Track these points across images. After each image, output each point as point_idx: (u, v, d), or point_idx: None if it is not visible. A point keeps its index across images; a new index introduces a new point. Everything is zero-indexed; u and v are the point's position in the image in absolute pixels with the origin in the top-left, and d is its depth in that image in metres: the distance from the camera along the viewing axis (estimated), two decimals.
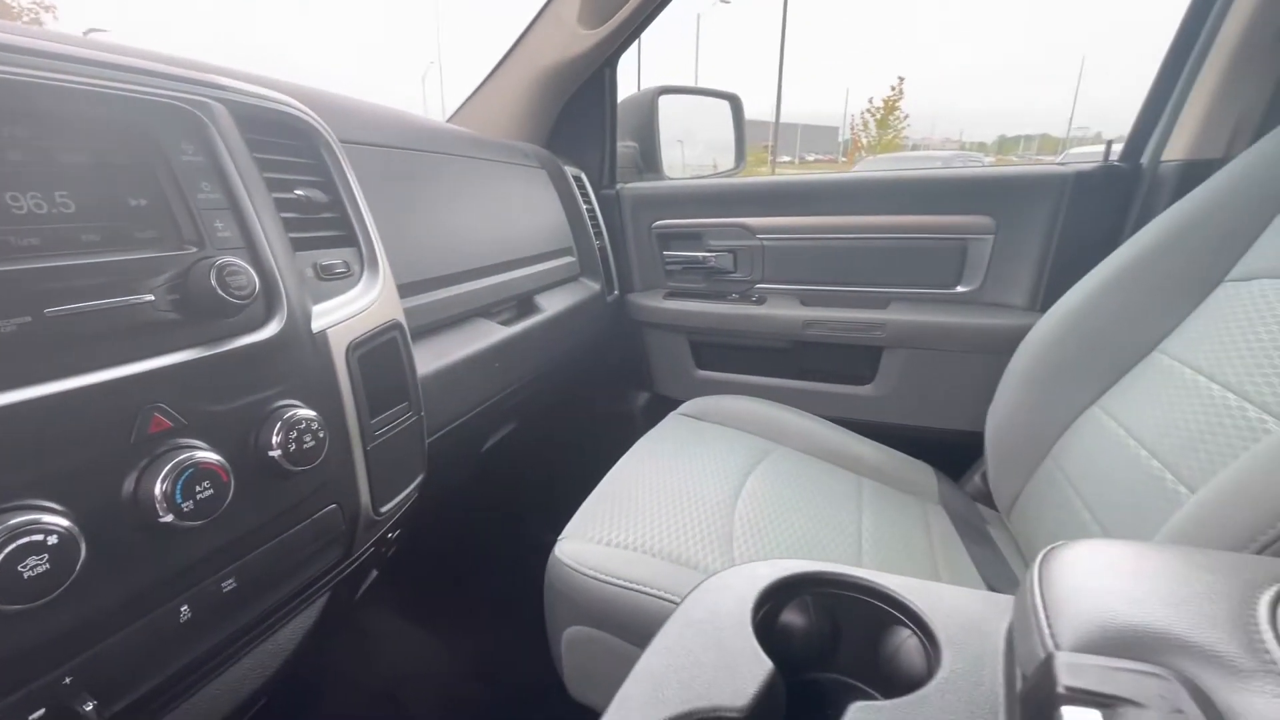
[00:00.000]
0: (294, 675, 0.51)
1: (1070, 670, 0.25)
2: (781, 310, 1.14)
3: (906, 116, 22.20)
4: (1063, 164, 1.01)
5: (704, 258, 1.21)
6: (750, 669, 0.34)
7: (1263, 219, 0.64)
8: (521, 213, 0.98)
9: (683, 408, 1.00)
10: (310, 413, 0.42)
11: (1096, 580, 0.29)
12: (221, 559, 0.40)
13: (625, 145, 1.33)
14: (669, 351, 1.26)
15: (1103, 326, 0.73)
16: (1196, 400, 0.59)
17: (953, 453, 0.98)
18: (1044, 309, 0.82)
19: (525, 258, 0.95)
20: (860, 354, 1.12)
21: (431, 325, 0.71)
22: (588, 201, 1.17)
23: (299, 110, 0.51)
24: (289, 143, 0.50)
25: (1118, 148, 0.98)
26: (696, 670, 0.34)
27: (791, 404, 1.02)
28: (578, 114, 1.19)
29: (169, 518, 0.34)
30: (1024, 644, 0.29)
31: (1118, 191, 0.95)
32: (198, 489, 0.35)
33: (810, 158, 54.53)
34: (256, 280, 0.40)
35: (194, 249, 0.39)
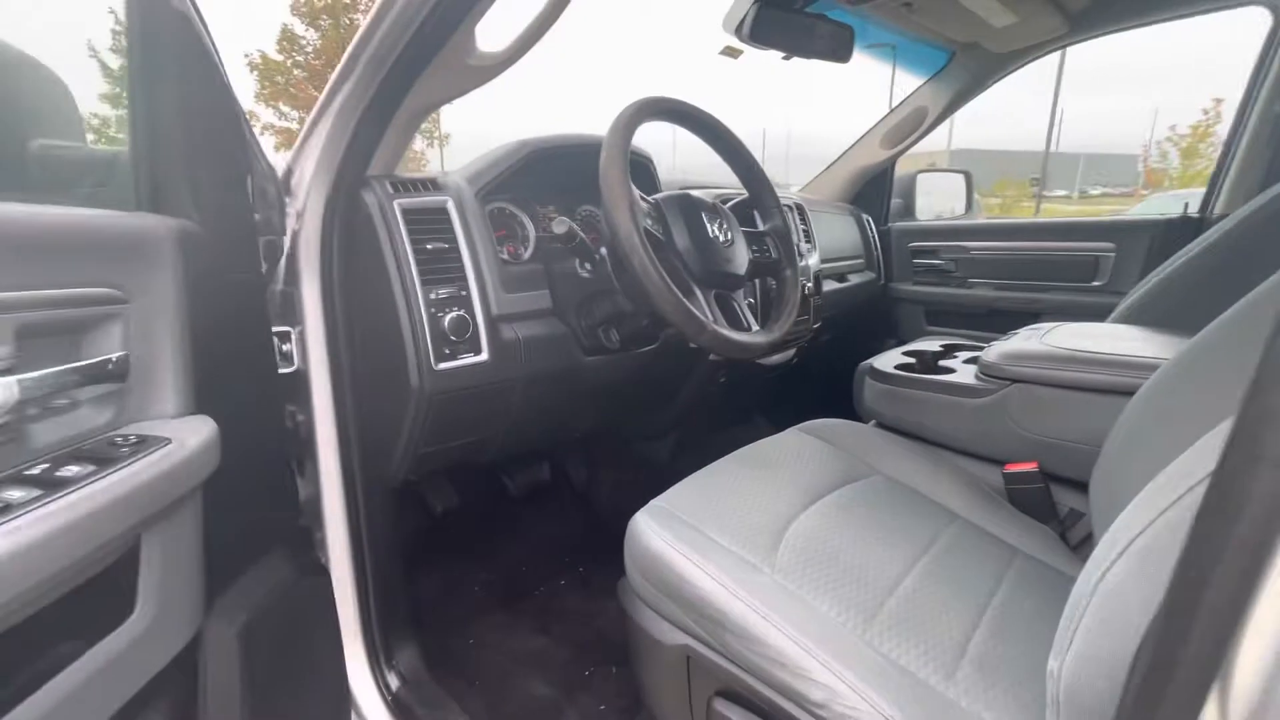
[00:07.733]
0: None
1: None
2: (979, 291, 2.09)
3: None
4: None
5: (939, 264, 2.21)
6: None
7: None
8: (846, 237, 2.11)
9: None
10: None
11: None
12: None
13: (895, 200, 2.40)
14: (912, 314, 2.28)
15: None
16: None
17: None
18: None
19: (848, 257, 2.07)
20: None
21: None
22: (872, 232, 2.26)
23: None
24: None
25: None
26: None
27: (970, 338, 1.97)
28: (869, 186, 2.30)
29: None
30: None
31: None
32: None
33: (1095, 191, 46.53)
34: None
35: None
